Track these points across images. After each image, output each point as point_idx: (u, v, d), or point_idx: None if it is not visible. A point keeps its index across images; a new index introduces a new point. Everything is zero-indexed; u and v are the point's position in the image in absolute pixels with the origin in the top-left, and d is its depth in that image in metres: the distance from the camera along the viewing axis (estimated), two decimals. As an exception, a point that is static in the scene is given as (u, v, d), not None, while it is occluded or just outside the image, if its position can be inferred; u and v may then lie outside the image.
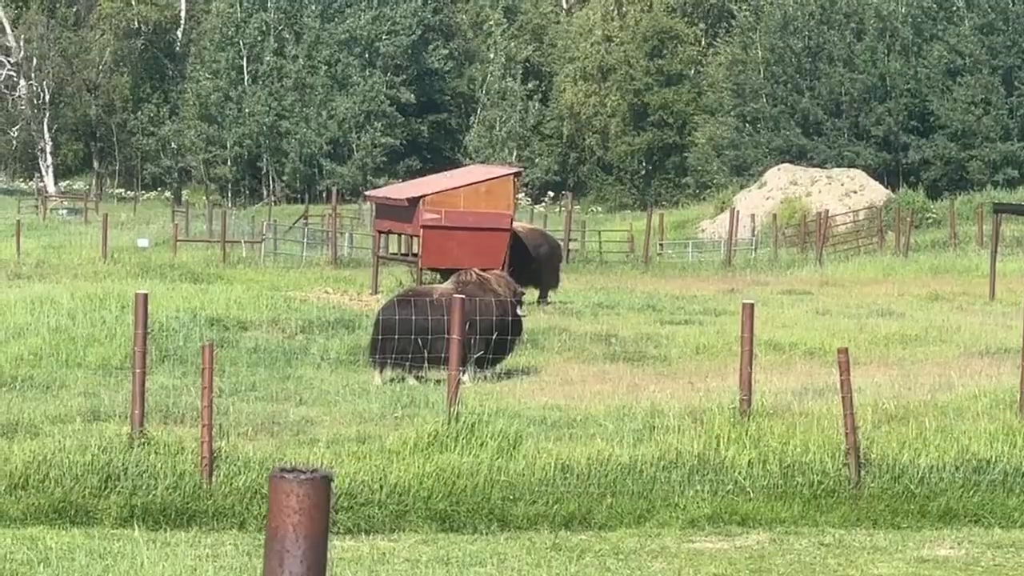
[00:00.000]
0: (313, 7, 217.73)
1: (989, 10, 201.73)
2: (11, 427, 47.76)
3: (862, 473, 40.70)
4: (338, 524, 34.77)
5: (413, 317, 62.21)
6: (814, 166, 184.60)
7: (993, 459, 42.80)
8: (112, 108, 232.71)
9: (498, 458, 42.22)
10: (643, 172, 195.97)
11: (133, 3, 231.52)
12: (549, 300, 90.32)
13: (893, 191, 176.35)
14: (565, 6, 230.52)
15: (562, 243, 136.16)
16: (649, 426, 48.00)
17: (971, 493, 40.64)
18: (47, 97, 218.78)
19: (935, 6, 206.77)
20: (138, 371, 42.76)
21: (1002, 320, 72.31)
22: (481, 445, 43.51)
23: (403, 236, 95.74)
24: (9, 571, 29.87)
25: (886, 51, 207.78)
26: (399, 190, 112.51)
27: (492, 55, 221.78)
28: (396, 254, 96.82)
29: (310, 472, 5.62)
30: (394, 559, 33.09)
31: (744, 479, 41.20)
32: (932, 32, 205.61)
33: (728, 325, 61.62)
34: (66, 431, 46.27)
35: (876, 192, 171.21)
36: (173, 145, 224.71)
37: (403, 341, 61.53)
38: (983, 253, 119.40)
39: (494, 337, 64.17)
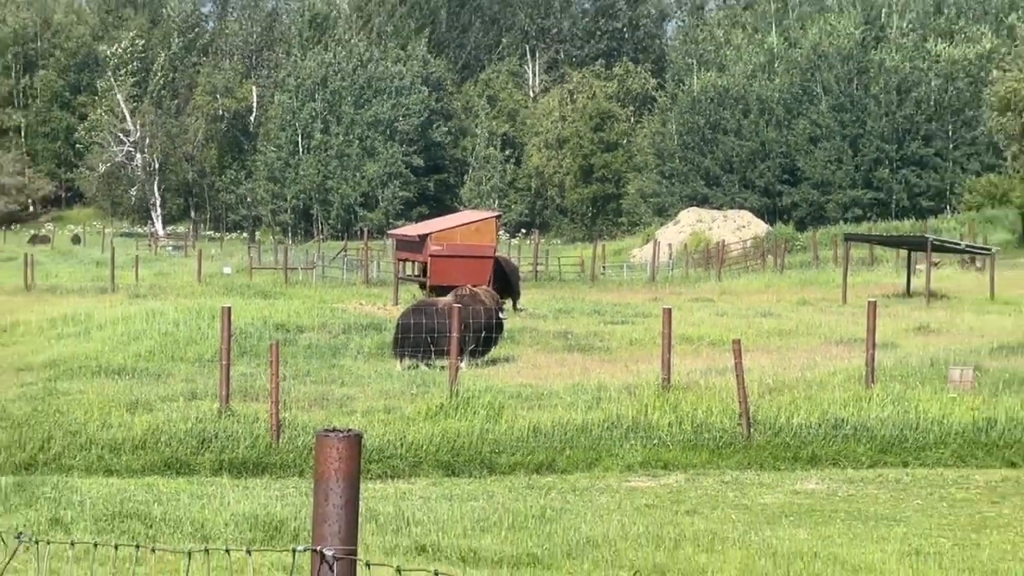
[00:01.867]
0: (348, 98, 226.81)
1: (840, 94, 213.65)
2: (133, 404, 50.29)
3: (751, 430, 44.92)
4: (370, 471, 38.51)
5: (424, 321, 67.00)
6: (714, 208, 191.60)
7: (846, 418, 46.44)
8: (204, 173, 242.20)
9: (486, 422, 47.23)
10: (590, 214, 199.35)
11: (218, 97, 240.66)
12: (521, 308, 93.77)
13: (771, 226, 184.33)
14: (532, 95, 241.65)
15: (531, 267, 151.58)
16: (596, 398, 51.85)
17: (830, 443, 44.37)
18: (156, 166, 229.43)
19: (800, 91, 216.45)
20: (224, 363, 48.17)
21: (851, 318, 74.31)
22: (474, 413, 48.71)
23: (416, 263, 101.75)
24: (133, 509, 31.05)
25: (765, 124, 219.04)
26: (413, 229, 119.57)
27: (479, 131, 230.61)
28: (411, 276, 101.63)
29: (346, 432, 6.47)
30: (411, 496, 35.62)
31: (665, 435, 45.52)
32: (798, 110, 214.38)
33: (653, 324, 62.79)
34: (172, 407, 50.86)
35: (759, 227, 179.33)
36: (248, 199, 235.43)
37: (416, 339, 65.82)
38: (837, 269, 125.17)
39: (483, 335, 69.09)
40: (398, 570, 7.47)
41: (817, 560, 26.58)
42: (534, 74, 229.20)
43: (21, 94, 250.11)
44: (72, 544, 20.94)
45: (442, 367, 59.21)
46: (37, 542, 13.97)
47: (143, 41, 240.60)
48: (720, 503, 35.55)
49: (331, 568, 6.46)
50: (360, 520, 6.75)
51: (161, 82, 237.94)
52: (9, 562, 19.99)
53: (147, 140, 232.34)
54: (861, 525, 31.57)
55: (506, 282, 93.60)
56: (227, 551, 13.62)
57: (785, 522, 31.95)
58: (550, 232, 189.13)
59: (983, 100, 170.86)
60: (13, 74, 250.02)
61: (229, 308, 50.95)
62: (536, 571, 24.30)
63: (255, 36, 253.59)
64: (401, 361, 64.89)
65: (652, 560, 26.44)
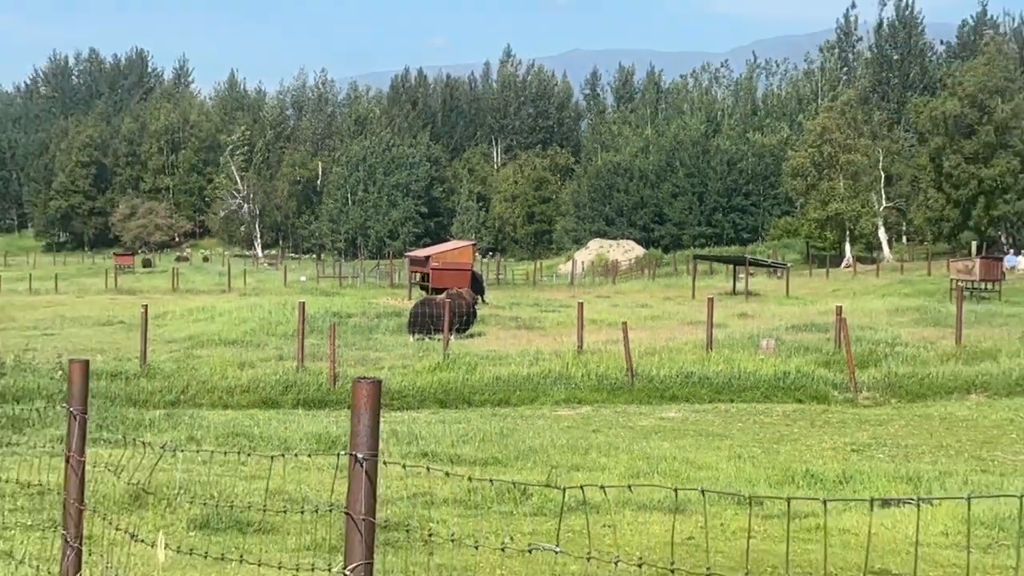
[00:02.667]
0: (380, 169, 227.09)
1: (691, 166, 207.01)
2: (241, 363, 50.87)
3: (634, 379, 44.56)
4: (392, 405, 39.36)
5: (427, 310, 67.06)
6: (610, 239, 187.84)
7: (694, 371, 46.24)
8: (287, 216, 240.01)
9: (466, 374, 47.68)
10: (532, 243, 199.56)
11: (296, 168, 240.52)
12: (487, 302, 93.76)
13: (647, 250, 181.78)
14: (496, 168, 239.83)
15: (495, 276, 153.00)
16: (535, 358, 50.93)
17: (683, 387, 44.15)
18: (257, 212, 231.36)
19: (665, 164, 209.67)
20: (300, 336, 49.82)
21: (697, 308, 72.25)
22: (458, 368, 49.22)
23: (422, 273, 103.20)
24: (240, 430, 31.54)
25: (643, 185, 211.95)
26: (420, 252, 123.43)
27: (462, 190, 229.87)
28: (419, 282, 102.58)
29: (371, 379, 6.62)
30: (418, 421, 35.46)
31: (579, 382, 45.37)
32: (664, 176, 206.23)
33: (571, 312, 60.54)
34: (266, 365, 51.91)
35: (639, 250, 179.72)
36: (316, 233, 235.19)
37: (423, 322, 65.95)
38: (688, 278, 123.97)
39: (464, 319, 69.85)
40: (403, 466, 7.52)
41: (675, 461, 26.98)
42: (497, 154, 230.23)
43: (170, 165, 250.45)
44: (197, 451, 21.15)
45: (438, 339, 58.84)
46: (175, 451, 14.02)
47: (248, 132, 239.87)
48: (614, 425, 35.57)
49: (361, 465, 6.52)
50: (382, 436, 6.82)
51: (260, 158, 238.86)
52: (157, 463, 20.11)
53: (251, 195, 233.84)
54: (703, 439, 31.63)
55: (477, 286, 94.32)
56: (296, 455, 13.42)
57: (655, 437, 31.85)
58: (507, 254, 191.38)
59: (781, 170, 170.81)
60: (165, 152, 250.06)
61: (303, 303, 53.28)
62: (498, 469, 24.50)
63: (320, 129, 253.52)
64: (413, 336, 66.10)
65: (571, 461, 27.07)
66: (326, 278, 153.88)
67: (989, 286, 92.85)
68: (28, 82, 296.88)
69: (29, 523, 16.14)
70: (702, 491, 7.29)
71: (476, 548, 12.04)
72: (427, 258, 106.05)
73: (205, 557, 9.61)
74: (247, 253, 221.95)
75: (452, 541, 14.39)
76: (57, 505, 8.91)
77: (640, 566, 10.43)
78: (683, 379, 44.74)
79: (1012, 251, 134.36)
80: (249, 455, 21.39)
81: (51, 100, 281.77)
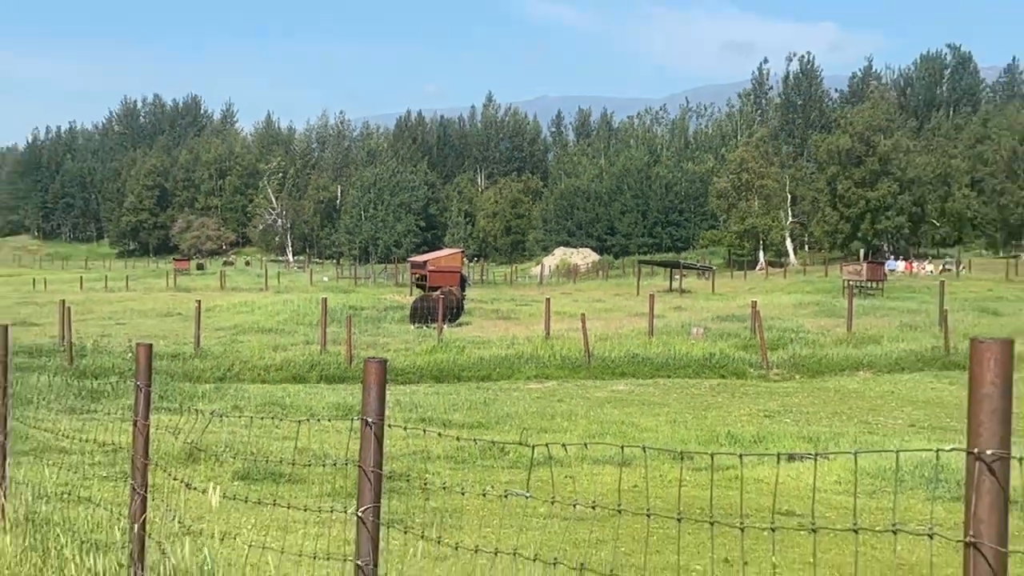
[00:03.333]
0: (387, 192, 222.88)
1: (637, 190, 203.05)
2: (275, 346, 50.95)
3: (590, 359, 43.65)
4: (397, 380, 38.00)
5: (425, 304, 66.37)
6: (572, 247, 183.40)
7: (638, 353, 45.74)
8: (313, 229, 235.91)
9: (456, 355, 46.89)
10: (510, 250, 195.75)
11: (319, 190, 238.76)
12: (465, 295, 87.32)
13: (601, 256, 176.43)
14: (480, 190, 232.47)
15: (479, 277, 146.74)
16: (512, 342, 50.87)
17: (630, 366, 43.24)
18: (289, 226, 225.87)
19: (616, 187, 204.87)
20: (323, 326, 49.49)
21: (641, 303, 67.01)
22: (449, 350, 48.73)
23: (421, 275, 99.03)
24: (275, 400, 31.99)
25: (597, 204, 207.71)
26: (420, 258, 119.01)
27: (452, 208, 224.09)
28: (418, 282, 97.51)
29: (379, 359, 6.47)
30: (418, 393, 34.75)
31: (547, 361, 44.23)
32: (615, 198, 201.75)
33: (540, 306, 57.75)
34: (296, 348, 51.45)
35: (595, 256, 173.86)
36: (336, 243, 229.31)
37: (422, 313, 65.24)
38: (634, 279, 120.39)
39: (454, 311, 68.51)
40: (405, 428, 7.46)
41: (623, 425, 27.48)
42: (480, 180, 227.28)
43: (218, 188, 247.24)
44: (240, 417, 20.88)
45: (432, 328, 59.04)
46: (221, 417, 13.97)
47: (282, 162, 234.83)
48: (574, 396, 35.26)
49: (371, 428, 6.57)
50: (388, 404, 6.77)
51: (291, 183, 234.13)
52: (207, 426, 20.04)
53: (283, 213, 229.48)
54: (645, 407, 31.53)
55: (464, 284, 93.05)
56: (319, 420, 13.27)
57: (607, 406, 31.67)
58: (489, 259, 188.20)
59: (708, 192, 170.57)
60: (214, 178, 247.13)
61: (325, 298, 54.05)
62: (481, 431, 24.59)
63: (339, 159, 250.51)
64: (414, 325, 65.06)
65: (539, 424, 27.24)
66: (344, 279, 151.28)
67: (874, 285, 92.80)
68: (104, 121, 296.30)
69: (105, 475, 16.23)
70: (644, 448, 7.22)
71: (463, 494, 12.05)
72: (425, 263, 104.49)
73: (246, 502, 9.63)
74: (280, 259, 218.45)
75: (444, 488, 14.52)
76: (127, 460, 8.84)
77: (593, 508, 10.33)
78: (630, 359, 44.44)
79: (892, 257, 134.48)
80: (281, 420, 21.71)
81: (123, 136, 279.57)
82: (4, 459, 11.58)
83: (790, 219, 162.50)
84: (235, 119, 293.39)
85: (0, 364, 12.37)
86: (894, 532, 4.60)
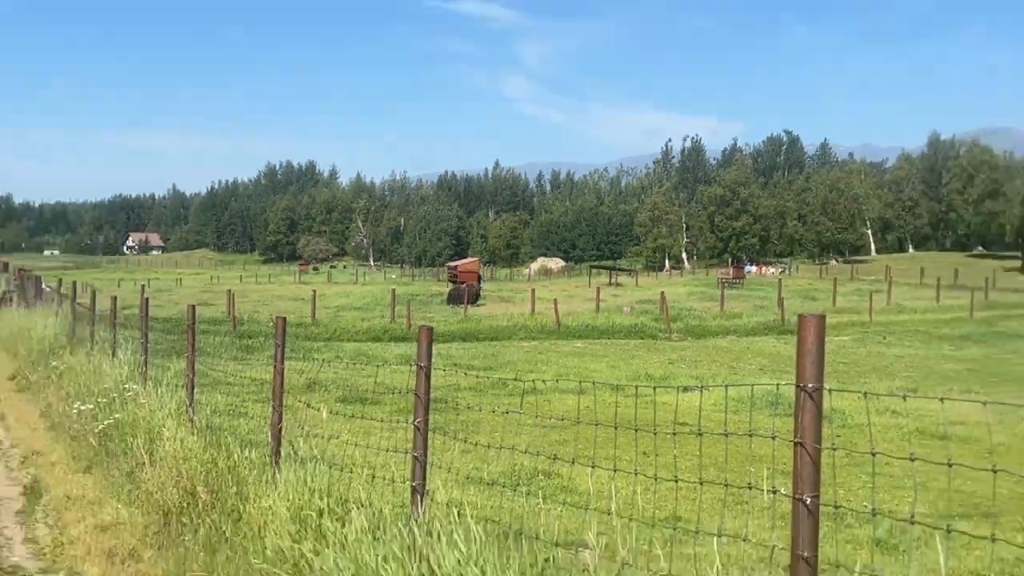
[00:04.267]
0: (432, 221, 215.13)
1: (589, 222, 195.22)
2: (362, 319, 48.26)
3: (560, 326, 42.05)
4: (437, 340, 34.18)
5: (457, 292, 63.90)
6: (548, 258, 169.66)
7: (589, 323, 44.89)
8: (386, 245, 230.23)
9: (475, 324, 44.90)
10: (508, 259, 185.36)
11: (390, 220, 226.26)
12: (483, 289, 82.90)
13: (566, 263, 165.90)
14: (491, 221, 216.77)
15: (490, 275, 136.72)
16: (510, 317, 47.90)
17: (584, 331, 41.88)
18: (370, 243, 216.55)
19: (575, 219, 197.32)
20: (391, 306, 48.37)
21: (592, 293, 62.33)
22: (472, 321, 46.82)
23: (453, 274, 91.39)
24: (363, 352, 30.74)
25: (564, 230, 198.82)
26: (452, 263, 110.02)
27: (474, 232, 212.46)
28: (452, 279, 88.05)
29: (427, 326, 6.53)
30: (451, 349, 32.71)
31: (532, 328, 42.62)
32: (575, 226, 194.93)
33: (528, 294, 55.36)
34: (375, 319, 48.40)
35: (562, 263, 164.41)
36: (400, 255, 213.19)
37: (454, 298, 62.76)
38: (587, 278, 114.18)
39: (475, 298, 64.95)
40: (443, 370, 7.32)
41: (580, 368, 26.79)
42: (491, 214, 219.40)
43: (328, 219, 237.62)
44: (340, 362, 20.67)
45: (462, 307, 56.29)
46: (329, 363, 14.05)
47: (366, 203, 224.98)
48: (550, 351, 34.04)
49: (423, 370, 6.48)
50: (433, 355, 6.71)
51: (372, 215, 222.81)
52: (319, 368, 20.02)
53: (367, 234, 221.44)
54: (595, 358, 31.00)
55: (480, 280, 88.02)
56: (390, 365, 13.09)
57: (570, 357, 31.05)
58: (496, 264, 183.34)
59: (635, 222, 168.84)
60: (323, 212, 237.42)
61: (394, 289, 55.69)
62: (491, 372, 23.61)
63: (402, 200, 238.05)
64: (449, 305, 61.94)
65: (527, 368, 26.72)
66: (405, 277, 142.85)
67: (737, 281, 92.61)
68: (254, 176, 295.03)
69: (255, 399, 15.98)
70: (593, 383, 7.22)
71: (480, 411, 12.04)
72: (456, 266, 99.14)
73: (344, 416, 9.59)
74: (364, 264, 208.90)
75: (468, 408, 14.46)
76: (270, 390, 8.83)
77: (561, 420, 10.12)
78: (584, 327, 43.67)
79: (749, 263, 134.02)
80: (366, 365, 21.33)
81: (267, 186, 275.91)
82: (192, 389, 11.56)
83: (685, 240, 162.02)
84: (337, 175, 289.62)
85: (189, 330, 12.34)
86: (750, 435, 4.61)
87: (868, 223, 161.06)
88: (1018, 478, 10.53)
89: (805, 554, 3.56)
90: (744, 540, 6.24)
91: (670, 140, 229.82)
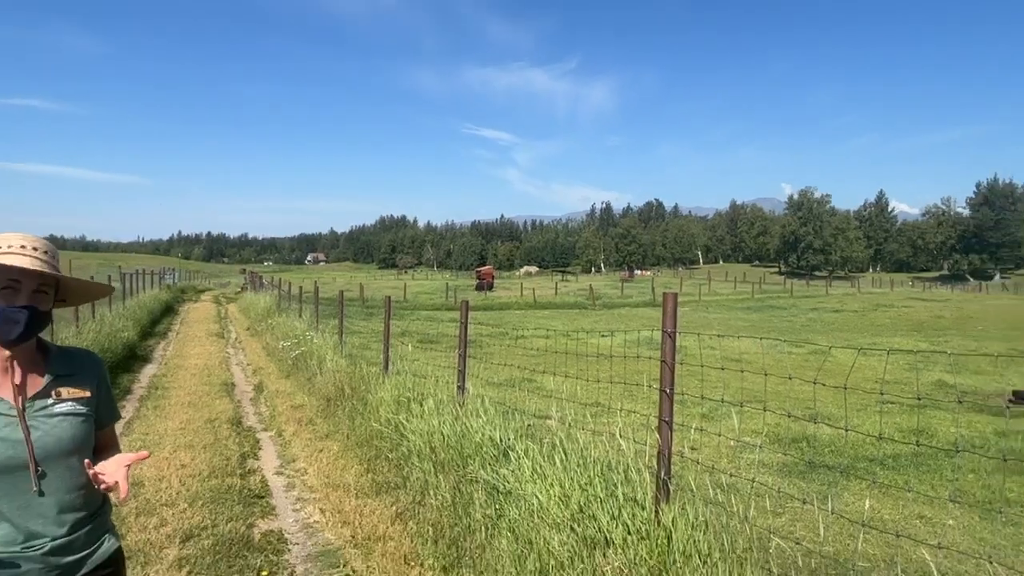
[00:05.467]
0: (467, 248, 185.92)
1: (553, 247, 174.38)
2: (429, 296, 42.43)
3: (536, 301, 39.01)
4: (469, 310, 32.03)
5: (480, 284, 58.95)
6: (531, 266, 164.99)
7: (554, 301, 41.86)
8: (444, 258, 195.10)
9: (491, 301, 40.71)
10: (508, 266, 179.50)
11: (440, 248, 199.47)
12: (496, 283, 76.97)
13: (541, 268, 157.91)
14: (499, 245, 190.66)
15: (498, 277, 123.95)
16: (510, 298, 44.29)
17: (551, 305, 38.73)
18: (434, 258, 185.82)
19: (546, 244, 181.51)
20: (446, 291, 40.00)
21: (554, 284, 65.06)
22: (488, 300, 42.35)
23: (479, 275, 73.04)
24: (431, 317, 26.65)
25: (541, 251, 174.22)
26: (479, 269, 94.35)
27: (488, 253, 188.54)
28: (478, 277, 72.26)
29: (465, 301, 6.35)
30: (477, 317, 28.28)
31: (523, 303, 38.93)
32: (544, 250, 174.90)
33: (519, 285, 56.29)
34: (435, 300, 41.69)
35: (536, 269, 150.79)
36: (450, 264, 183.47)
37: (480, 286, 57.52)
38: (553, 277, 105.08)
39: (490, 287, 59.42)
40: (474, 326, 7.06)
41: (547, 326, 24.70)
42: (499, 243, 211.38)
43: (410, 245, 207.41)
44: (417, 321, 19.95)
45: (483, 292, 51.96)
46: (410, 322, 13.57)
47: (433, 236, 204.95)
48: (531, 317, 31.82)
49: (463, 327, 6.22)
50: (470, 320, 6.59)
51: (434, 243, 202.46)
52: (407, 325, 19.54)
53: (433, 253, 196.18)
54: (556, 319, 29.80)
55: (493, 278, 77.47)
56: (442, 322, 12.61)
57: (541, 319, 28.77)
58: (501, 269, 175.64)
59: (576, 248, 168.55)
60: (409, 241, 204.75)
61: (447, 282, 50.06)
62: (503, 328, 22.50)
63: (451, 235, 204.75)
64: (477, 291, 53.77)
65: (523, 324, 24.99)
66: (453, 277, 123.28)
67: (630, 279, 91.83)
68: (374, 221, 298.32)
69: (375, 340, 14.72)
70: (555, 332, 7.17)
71: (493, 347, 11.91)
72: (480, 270, 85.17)
73: (421, 349, 9.51)
74: (431, 269, 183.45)
75: (487, 345, 14.14)
76: (381, 335, 8.70)
77: (537, 351, 9.94)
78: (549, 302, 41.23)
79: (636, 269, 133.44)
80: (435, 324, 20.58)
81: (378, 226, 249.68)
82: (342, 335, 11.41)
83: (602, 257, 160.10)
84: (416, 221, 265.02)
85: (339, 303, 12.02)
86: (637, 358, 4.57)
87: (698, 248, 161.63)
88: (777, 380, 10.53)
89: (667, 419, 3.55)
90: (634, 413, 6.24)
91: (594, 203, 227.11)
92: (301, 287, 19.87)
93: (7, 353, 1.80)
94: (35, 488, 1.77)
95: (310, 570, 3.90)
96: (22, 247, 1.78)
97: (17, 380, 1.79)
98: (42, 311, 1.80)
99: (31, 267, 1.76)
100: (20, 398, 1.78)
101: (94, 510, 1.91)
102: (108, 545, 1.92)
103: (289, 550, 4.16)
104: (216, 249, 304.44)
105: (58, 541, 1.80)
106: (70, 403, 1.85)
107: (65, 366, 1.89)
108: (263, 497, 5.18)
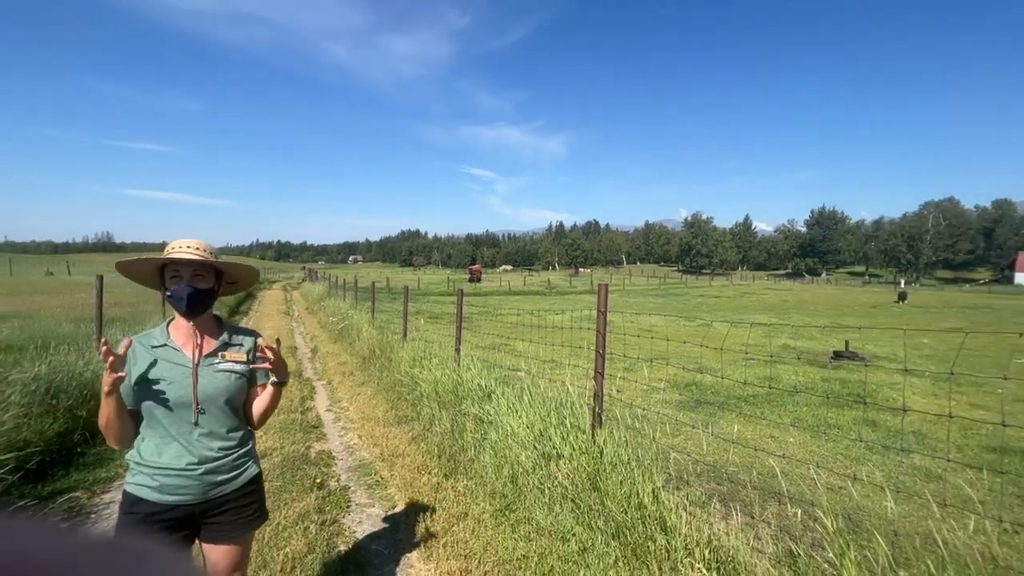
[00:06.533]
0: (462, 253, 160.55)
1: (524, 253, 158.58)
2: (434, 286, 37.09)
3: (511, 291, 35.57)
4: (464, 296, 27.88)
5: (472, 278, 51.06)
6: (508, 265, 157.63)
7: (527, 289, 37.46)
8: (444, 261, 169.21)
9: (479, 289, 35.63)
10: (492, 265, 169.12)
11: (438, 253, 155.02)
12: (484, 277, 65.74)
13: (513, 267, 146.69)
14: (484, 252, 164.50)
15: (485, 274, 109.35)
16: (493, 287, 41.51)
17: (522, 293, 33.29)
18: (440, 259, 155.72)
19: (518, 251, 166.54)
20: (449, 284, 36.95)
21: (523, 279, 62.13)
22: (477, 288, 37.27)
23: (471, 270, 61.62)
24: (439, 302, 21.80)
25: (514, 255, 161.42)
26: (471, 266, 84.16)
27: (478, 256, 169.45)
28: (470, 273, 62.50)
29: (459, 290, 6.00)
30: (470, 302, 26.40)
31: (505, 291, 33.21)
32: (519, 256, 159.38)
33: (501, 278, 52.76)
34: (440, 288, 36.57)
35: (511, 267, 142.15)
36: (449, 264, 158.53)
37: (472, 280, 49.20)
38: (522, 274, 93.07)
39: (479, 279, 50.89)
40: (466, 307, 6.76)
41: (520, 308, 22.96)
42: (484, 251, 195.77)
43: (422, 251, 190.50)
44: (427, 303, 19.03)
45: (475, 282, 45.38)
46: (422, 304, 12.79)
47: (439, 245, 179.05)
48: (505, 300, 29.55)
49: (459, 306, 6.08)
50: (465, 303, 6.42)
51: (440, 249, 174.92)
52: (420, 307, 18.81)
53: (439, 256, 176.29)
54: (522, 302, 27.83)
55: (481, 273, 67.30)
56: (442, 304, 12.12)
57: (513, 302, 27.29)
58: (486, 267, 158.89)
59: (537, 253, 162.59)
60: (422, 247, 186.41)
61: (448, 275, 43.48)
62: (488, 308, 20.86)
63: (451, 244, 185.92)
64: (470, 282, 48.04)
65: (497, 306, 22.77)
66: (452, 272, 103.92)
67: (577, 275, 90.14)
68: (396, 233, 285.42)
69: (397, 316, 13.52)
70: (523, 311, 7.09)
71: (480, 321, 11.68)
72: (472, 268, 68.88)
73: (431, 323, 9.25)
74: (438, 267, 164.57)
75: (476, 320, 13.76)
76: (402, 313, 8.18)
77: (510, 323, 9.83)
78: (519, 291, 38.73)
79: (581, 268, 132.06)
80: (438, 304, 19.59)
81: (400, 237, 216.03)
82: (373, 312, 11.12)
83: (556, 259, 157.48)
84: (428, 233, 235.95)
85: (371, 290, 11.68)
86: (581, 328, 4.55)
87: (622, 253, 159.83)
88: (675, 343, 10.50)
89: (600, 371, 3.52)
90: (578, 367, 6.20)
91: (551, 222, 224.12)
92: (345, 279, 19.40)
93: (191, 323, 1.88)
94: (194, 421, 1.85)
95: (351, 476, 3.93)
96: (181, 247, 1.84)
97: (197, 342, 1.88)
98: (202, 290, 1.85)
99: (182, 256, 1.81)
100: (196, 355, 1.87)
101: (240, 441, 1.94)
102: (251, 470, 1.95)
103: (336, 464, 4.18)
104: (284, 252, 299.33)
105: (210, 464, 1.86)
106: (231, 363, 1.92)
107: (232, 337, 1.96)
108: (317, 427, 5.10)
